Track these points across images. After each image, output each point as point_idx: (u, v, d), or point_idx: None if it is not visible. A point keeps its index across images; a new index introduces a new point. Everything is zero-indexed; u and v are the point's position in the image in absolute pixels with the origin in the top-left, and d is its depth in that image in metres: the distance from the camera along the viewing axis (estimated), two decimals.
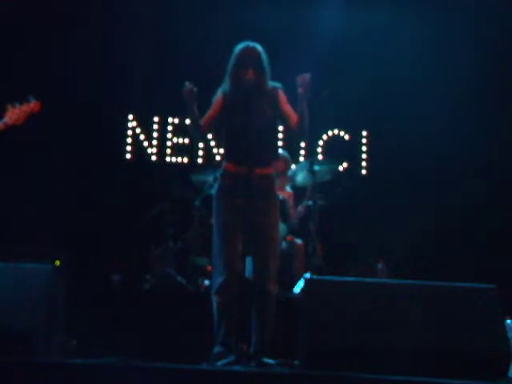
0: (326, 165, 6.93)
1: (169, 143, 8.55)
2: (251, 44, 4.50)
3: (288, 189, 6.71)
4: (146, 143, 8.53)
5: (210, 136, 8.42)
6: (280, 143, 8.28)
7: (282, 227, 5.27)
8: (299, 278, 6.28)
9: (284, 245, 6.40)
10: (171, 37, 8.08)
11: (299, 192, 6.92)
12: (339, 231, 7.80)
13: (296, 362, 4.08)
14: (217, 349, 4.21)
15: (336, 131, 8.62)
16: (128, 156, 8.50)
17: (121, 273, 7.15)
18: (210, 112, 4.50)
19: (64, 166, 7.77)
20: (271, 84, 4.52)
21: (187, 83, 4.37)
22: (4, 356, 3.58)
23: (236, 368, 3.99)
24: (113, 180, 8.15)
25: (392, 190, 8.19)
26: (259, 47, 4.49)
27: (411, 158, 8.22)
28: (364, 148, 8.63)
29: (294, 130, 4.53)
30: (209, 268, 6.57)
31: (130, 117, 8.53)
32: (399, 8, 8.06)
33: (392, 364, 3.62)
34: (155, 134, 8.56)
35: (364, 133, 8.65)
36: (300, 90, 4.41)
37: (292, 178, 6.84)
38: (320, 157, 8.47)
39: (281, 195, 5.49)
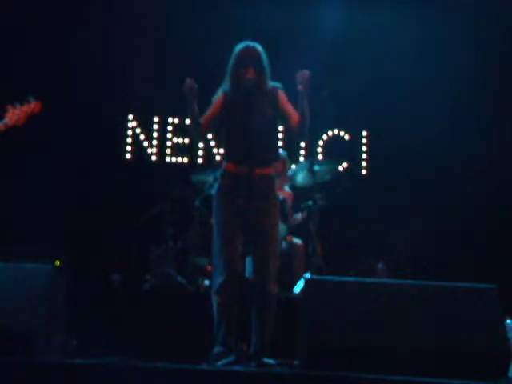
0: (326, 165, 6.93)
1: (169, 143, 8.55)
2: (251, 44, 4.50)
3: (287, 188, 6.71)
4: (146, 143, 8.53)
5: (209, 136, 8.42)
6: (280, 143, 8.31)
7: (281, 227, 5.27)
8: (299, 278, 6.28)
9: (284, 245, 6.40)
10: (171, 37, 8.08)
11: (299, 192, 6.93)
12: (339, 231, 7.80)
13: (296, 362, 4.08)
14: (217, 349, 4.21)
15: (336, 131, 8.62)
16: (128, 156, 8.50)
17: (121, 273, 7.15)
18: (209, 111, 4.50)
19: (64, 166, 7.77)
20: (271, 84, 4.52)
21: (188, 79, 4.37)
22: (4, 356, 3.58)
23: (236, 368, 3.99)
24: (113, 180, 8.15)
25: (392, 190, 8.19)
26: (259, 47, 4.49)
27: (411, 157, 8.22)
28: (364, 148, 8.63)
29: (294, 130, 4.53)
30: (209, 268, 6.57)
31: (130, 117, 8.53)
32: (399, 8, 8.06)
33: (392, 364, 3.62)
34: (155, 134, 8.56)
35: (364, 133, 8.65)
36: (300, 87, 4.41)
37: (291, 178, 6.85)
38: (320, 157, 8.46)
39: (280, 195, 5.49)
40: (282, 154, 6.61)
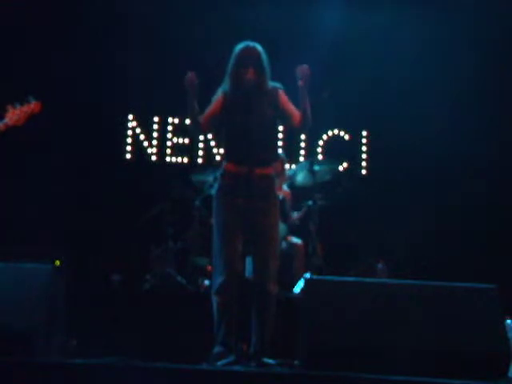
0: (326, 165, 6.93)
1: (169, 143, 8.55)
2: (251, 44, 4.49)
3: (285, 187, 6.71)
4: (146, 143, 8.53)
5: (210, 136, 8.43)
6: (280, 143, 8.31)
7: (281, 227, 5.27)
8: (299, 278, 6.28)
9: (284, 245, 6.41)
10: (171, 37, 8.08)
11: (299, 192, 6.93)
12: (339, 231, 7.80)
13: (296, 362, 4.08)
14: (217, 349, 4.21)
15: (336, 131, 8.62)
16: (128, 156, 8.50)
17: (121, 273, 7.15)
18: (209, 110, 4.50)
19: (64, 166, 7.77)
20: (271, 84, 4.51)
21: (189, 72, 4.36)
22: (4, 356, 3.58)
23: (236, 368, 3.99)
24: (113, 180, 8.15)
25: (392, 190, 8.19)
26: (259, 47, 4.49)
27: (411, 157, 8.22)
28: (364, 148, 8.63)
29: (296, 128, 4.53)
30: (209, 268, 6.57)
31: (130, 117, 8.53)
32: (399, 8, 8.06)
33: (392, 364, 3.62)
34: (155, 134, 8.56)
35: (364, 133, 8.65)
36: (300, 83, 4.40)
37: (291, 178, 6.85)
38: (320, 157, 8.47)
39: (280, 195, 5.49)
40: (280, 154, 6.62)
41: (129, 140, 8.52)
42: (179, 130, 8.52)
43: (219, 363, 4.09)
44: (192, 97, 4.38)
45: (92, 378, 3.42)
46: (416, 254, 7.79)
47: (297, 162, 8.28)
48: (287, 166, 7.21)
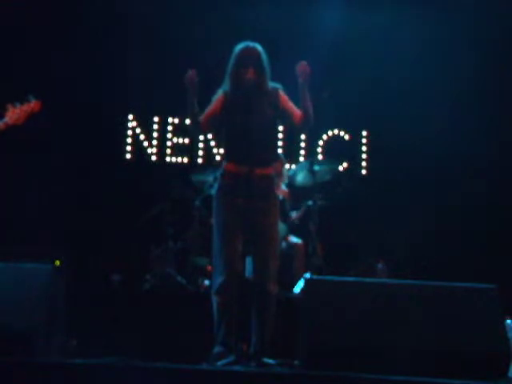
0: (326, 165, 6.93)
1: (169, 143, 8.55)
2: (251, 44, 4.49)
3: (283, 187, 6.71)
4: (146, 143, 8.53)
5: (210, 136, 8.43)
6: (280, 143, 8.31)
7: (281, 227, 5.28)
8: (299, 278, 6.28)
9: (284, 245, 6.41)
10: (171, 37, 8.08)
11: (299, 192, 6.93)
12: (339, 231, 7.80)
13: (296, 362, 4.08)
14: (217, 349, 4.21)
15: (336, 131, 8.62)
16: (128, 156, 8.50)
17: (121, 273, 7.15)
18: (209, 110, 4.50)
19: (64, 166, 7.77)
20: (272, 85, 4.51)
21: (190, 70, 4.36)
22: (4, 356, 3.58)
23: (236, 368, 3.99)
24: (113, 180, 8.14)
25: (392, 190, 8.19)
26: (259, 47, 4.49)
27: (411, 157, 8.22)
28: (364, 148, 8.63)
29: (298, 126, 4.52)
30: (209, 268, 6.57)
31: (130, 117, 8.52)
32: (399, 8, 8.06)
33: (392, 364, 3.62)
34: (155, 134, 8.56)
35: (364, 133, 8.65)
36: (300, 80, 4.40)
37: (290, 177, 6.86)
38: (320, 157, 8.46)
39: (280, 195, 5.49)
40: (279, 154, 6.64)
41: (129, 140, 8.52)
42: (179, 130, 8.52)
43: (219, 363, 4.09)
44: (192, 95, 4.38)
45: (92, 378, 3.42)
46: (416, 254, 7.79)
47: (297, 162, 8.29)
48: (287, 165, 7.22)
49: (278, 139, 8.15)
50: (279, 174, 6.34)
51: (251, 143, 4.33)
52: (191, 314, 5.44)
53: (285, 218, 6.34)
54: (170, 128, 8.56)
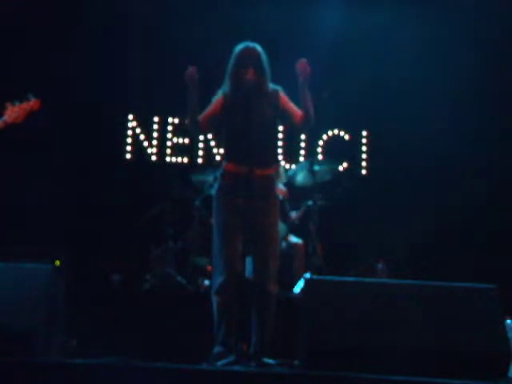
0: (326, 165, 6.93)
1: (169, 143, 8.55)
2: (251, 44, 4.49)
3: (281, 186, 6.70)
4: (146, 143, 8.53)
5: (210, 136, 8.43)
6: (280, 143, 8.32)
7: (281, 227, 5.28)
8: (299, 278, 6.28)
9: (284, 245, 6.41)
10: (171, 37, 8.08)
11: (299, 192, 6.93)
12: (339, 231, 7.80)
13: (296, 362, 4.08)
14: (217, 349, 4.21)
15: (336, 131, 8.62)
16: (128, 156, 8.50)
17: (121, 273, 7.15)
18: (209, 110, 4.49)
19: (64, 165, 7.77)
20: (272, 86, 4.51)
21: (190, 67, 4.36)
22: (4, 356, 3.58)
23: (236, 368, 3.99)
24: (113, 180, 8.14)
25: (392, 190, 8.19)
26: (259, 47, 4.48)
27: (411, 157, 8.22)
28: (364, 148, 8.63)
29: (299, 126, 4.52)
30: (209, 268, 6.57)
31: (130, 117, 8.53)
32: (399, 8, 8.06)
33: (392, 364, 3.62)
34: (155, 134, 8.56)
35: (364, 133, 8.65)
36: (300, 79, 4.39)
37: (288, 177, 6.86)
38: (320, 157, 8.47)
39: (280, 195, 5.49)
40: None
41: (129, 140, 8.52)
42: (179, 130, 8.52)
43: (219, 363, 4.09)
44: (192, 92, 4.38)
45: (92, 378, 3.42)
46: (416, 254, 7.79)
47: (297, 162, 8.29)
48: (287, 165, 7.22)
49: (278, 139, 8.15)
50: (276, 173, 6.34)
51: (251, 143, 4.33)
52: (191, 314, 5.44)
53: (285, 217, 6.34)
54: (169, 128, 8.56)
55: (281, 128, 8.09)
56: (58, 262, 6.53)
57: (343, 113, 8.27)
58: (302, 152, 8.60)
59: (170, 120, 8.56)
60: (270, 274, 4.31)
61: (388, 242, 7.73)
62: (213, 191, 4.58)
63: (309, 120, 4.46)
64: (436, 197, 8.07)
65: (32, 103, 4.65)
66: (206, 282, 6.55)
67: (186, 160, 8.55)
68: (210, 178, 6.53)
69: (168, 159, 8.53)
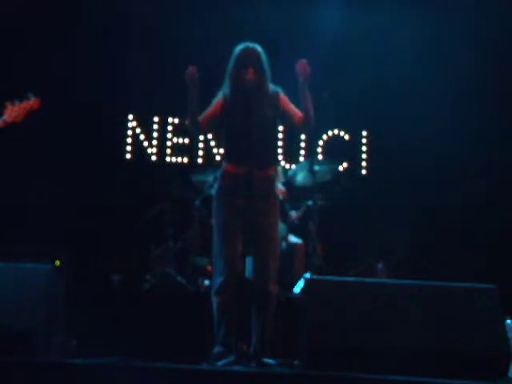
0: (326, 165, 6.93)
1: (169, 143, 8.55)
2: (251, 45, 4.49)
3: (280, 186, 6.70)
4: (146, 143, 8.53)
5: (210, 136, 8.43)
6: (280, 143, 8.32)
7: (281, 227, 5.27)
8: (299, 278, 6.28)
9: (284, 245, 6.41)
10: (171, 37, 8.08)
11: (299, 192, 6.93)
12: (339, 231, 7.79)
13: (296, 362, 4.08)
14: (217, 349, 4.21)
15: (336, 131, 8.62)
16: (128, 156, 8.50)
17: (121, 273, 7.15)
18: (209, 111, 4.49)
19: (64, 165, 7.77)
20: (272, 87, 4.50)
21: (190, 66, 4.35)
22: (4, 356, 3.58)
23: (236, 368, 3.99)
24: (113, 180, 8.14)
25: (392, 190, 8.19)
26: (259, 48, 4.48)
27: (411, 157, 8.22)
28: (364, 148, 8.63)
29: (299, 127, 4.52)
30: (209, 268, 6.57)
31: (130, 117, 8.52)
32: (399, 8, 8.06)
33: (392, 364, 3.62)
34: (155, 134, 8.56)
35: (364, 133, 8.65)
36: (300, 79, 4.38)
37: (288, 177, 6.85)
38: (320, 157, 8.47)
39: (280, 196, 5.49)
40: None
41: (129, 140, 8.52)
42: (179, 130, 8.52)
43: (219, 363, 4.09)
44: (192, 92, 4.37)
45: (92, 378, 3.41)
46: (416, 254, 7.79)
47: (297, 162, 8.29)
48: (287, 165, 7.22)
49: (278, 139, 8.15)
50: (275, 173, 6.34)
51: (251, 144, 4.33)
52: (191, 314, 5.44)
53: (285, 218, 6.34)
54: (170, 128, 8.56)
55: (281, 128, 8.09)
56: (57, 262, 6.53)
57: (343, 113, 8.27)
58: (302, 152, 8.60)
59: (169, 120, 8.56)
60: (270, 274, 4.31)
61: (388, 241, 7.73)
62: (213, 191, 4.58)
63: (309, 121, 4.45)
64: (436, 197, 8.07)
65: (32, 102, 4.65)
66: (206, 282, 6.55)
67: (186, 160, 8.55)
68: (210, 178, 6.53)
69: (168, 159, 8.52)
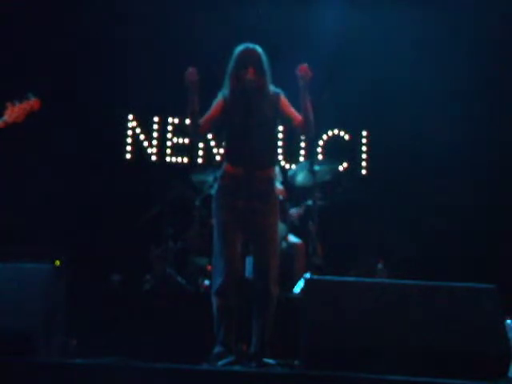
0: (326, 165, 6.93)
1: (169, 143, 8.55)
2: (251, 45, 4.48)
3: (278, 185, 6.69)
4: (146, 143, 8.53)
5: (209, 136, 8.43)
6: (280, 143, 8.32)
7: (281, 227, 5.27)
8: (299, 278, 6.28)
9: (284, 245, 6.40)
10: (171, 37, 8.07)
11: (299, 192, 6.93)
12: (339, 231, 7.79)
13: (296, 362, 4.08)
14: (217, 349, 4.21)
15: (336, 131, 8.62)
16: (128, 156, 8.50)
17: (121, 273, 7.15)
18: (209, 113, 4.48)
19: (64, 165, 7.77)
20: (273, 89, 4.50)
21: (190, 68, 4.33)
22: (4, 356, 3.58)
23: (236, 368, 3.99)
24: (113, 180, 8.14)
25: (392, 190, 8.19)
26: (259, 49, 4.47)
27: (411, 157, 8.22)
28: (364, 148, 8.63)
29: (298, 131, 4.51)
30: (209, 268, 6.57)
31: (130, 117, 8.53)
32: (399, 8, 8.05)
33: (392, 364, 3.61)
34: (155, 134, 8.56)
35: (364, 133, 8.65)
36: (301, 82, 4.37)
37: (288, 177, 6.86)
38: (320, 157, 8.46)
39: (280, 196, 5.49)
40: None
41: (129, 140, 8.52)
42: (179, 130, 8.52)
43: (219, 363, 4.09)
44: (193, 94, 4.36)
45: (92, 378, 3.41)
46: (416, 253, 7.79)
47: (297, 162, 8.29)
48: (287, 166, 7.21)
49: (278, 139, 8.15)
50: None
51: (251, 145, 4.32)
52: (191, 314, 5.44)
53: (285, 217, 6.34)
54: (169, 128, 8.56)
55: (281, 128, 8.09)
56: (57, 262, 6.52)
57: (343, 113, 8.27)
58: (302, 152, 8.60)
59: (170, 120, 8.56)
60: (271, 274, 4.30)
61: (388, 241, 7.73)
62: (213, 192, 4.58)
63: (308, 126, 4.44)
64: (436, 197, 8.07)
65: (32, 103, 4.65)
66: (206, 282, 6.55)
67: (186, 160, 8.55)
68: (210, 178, 6.53)
69: (168, 159, 8.52)
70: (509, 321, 5.10)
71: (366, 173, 8.60)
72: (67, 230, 7.51)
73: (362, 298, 3.87)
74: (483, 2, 7.94)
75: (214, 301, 4.28)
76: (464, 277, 4.54)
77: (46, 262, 5.08)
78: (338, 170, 7.58)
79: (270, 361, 4.16)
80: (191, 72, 4.33)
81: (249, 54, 4.44)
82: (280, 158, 8.36)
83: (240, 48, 4.48)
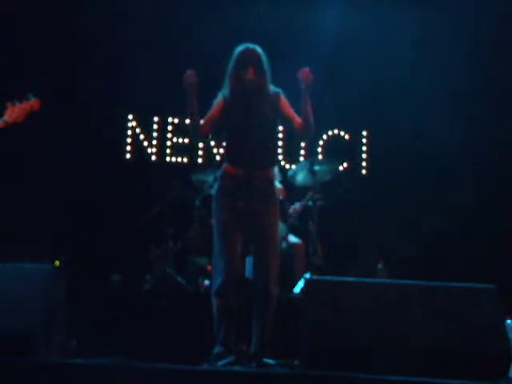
0: (326, 165, 6.93)
1: (169, 143, 8.55)
2: (251, 46, 4.48)
3: (278, 184, 6.69)
4: (145, 143, 8.53)
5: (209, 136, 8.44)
6: (280, 143, 8.32)
7: (281, 227, 5.27)
8: (299, 278, 6.28)
9: (284, 245, 6.40)
10: (171, 37, 8.08)
11: (299, 192, 6.93)
12: (339, 231, 7.80)
13: (296, 362, 4.08)
14: (217, 349, 4.21)
15: (336, 131, 8.62)
16: (128, 156, 8.50)
17: (121, 273, 7.15)
18: (209, 114, 4.48)
19: (64, 165, 7.77)
20: (273, 89, 4.49)
21: (188, 70, 4.33)
22: (4, 356, 3.58)
23: (236, 368, 3.99)
24: (113, 180, 8.14)
25: (392, 190, 8.19)
26: (259, 49, 4.47)
27: (411, 157, 8.22)
28: (364, 148, 8.64)
29: (297, 132, 4.51)
30: (209, 268, 6.58)
31: (130, 117, 8.53)
32: (399, 8, 8.05)
33: (392, 364, 3.61)
34: (155, 134, 8.56)
35: (364, 133, 8.65)
36: (302, 85, 4.36)
37: (288, 176, 6.86)
38: (320, 157, 8.47)
39: (280, 196, 5.49)
40: None
41: (129, 140, 8.52)
42: (179, 130, 8.53)
43: (219, 363, 4.09)
44: (191, 96, 4.35)
45: (92, 378, 3.41)
46: (416, 253, 7.79)
47: (297, 162, 8.29)
48: (287, 166, 7.21)
49: (278, 139, 8.15)
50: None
51: (251, 144, 4.32)
52: (191, 314, 5.45)
53: (285, 217, 6.34)
54: (169, 128, 8.56)
55: (281, 128, 8.08)
56: (57, 262, 6.53)
57: (343, 113, 8.27)
58: (302, 152, 8.60)
59: (169, 120, 8.56)
60: (271, 274, 4.30)
61: (388, 241, 7.73)
62: (213, 192, 4.58)
63: (308, 128, 4.43)
64: (436, 197, 8.07)
65: (32, 103, 4.65)
66: (206, 282, 6.55)
67: (186, 160, 8.55)
68: (210, 178, 6.53)
69: (168, 159, 8.53)
70: (509, 321, 5.09)
71: (365, 173, 8.61)
72: (67, 230, 7.51)
73: (361, 298, 3.87)
74: (483, 1, 7.94)
75: (214, 301, 4.28)
76: (464, 277, 4.54)
77: (45, 262, 5.08)
78: (338, 170, 7.59)
79: (270, 361, 4.16)
80: (190, 74, 4.32)
81: (249, 54, 4.44)
82: (280, 157, 8.36)
83: (240, 48, 4.48)
